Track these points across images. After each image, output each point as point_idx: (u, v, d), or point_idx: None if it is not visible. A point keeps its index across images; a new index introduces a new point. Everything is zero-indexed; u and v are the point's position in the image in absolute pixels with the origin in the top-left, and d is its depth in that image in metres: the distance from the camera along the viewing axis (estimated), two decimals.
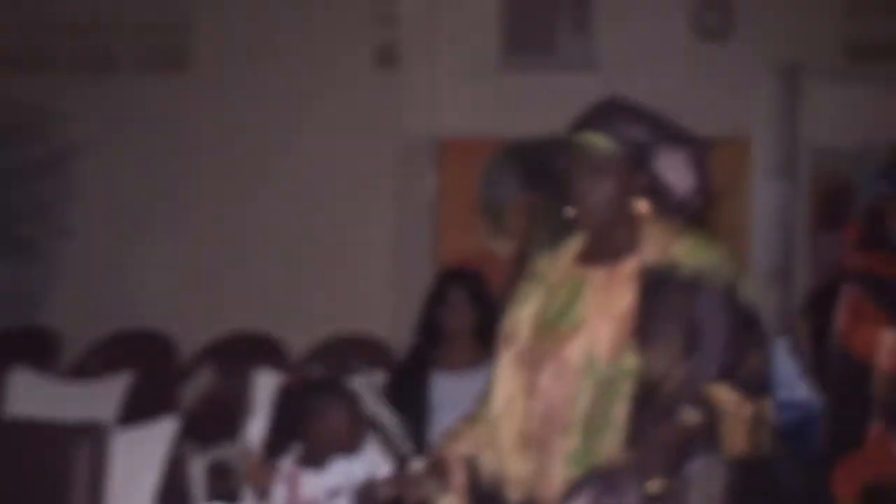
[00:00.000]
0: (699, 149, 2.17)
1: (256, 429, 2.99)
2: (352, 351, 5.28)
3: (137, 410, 3.40)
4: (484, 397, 2.25)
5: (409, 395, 3.72)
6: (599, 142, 2.11)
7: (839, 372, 2.82)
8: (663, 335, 2.02)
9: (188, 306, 5.86)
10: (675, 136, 2.16)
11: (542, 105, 5.60)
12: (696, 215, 2.22)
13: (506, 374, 2.19)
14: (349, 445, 2.88)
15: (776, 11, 5.52)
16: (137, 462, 2.87)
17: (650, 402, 2.00)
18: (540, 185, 5.69)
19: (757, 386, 2.09)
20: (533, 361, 2.14)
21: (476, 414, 2.26)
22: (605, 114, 2.17)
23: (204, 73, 6.07)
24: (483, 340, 3.73)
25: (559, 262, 2.26)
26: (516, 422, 2.13)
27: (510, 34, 5.60)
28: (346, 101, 5.83)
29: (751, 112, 5.62)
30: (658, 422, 1.98)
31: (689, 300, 2.03)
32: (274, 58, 5.94)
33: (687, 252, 2.09)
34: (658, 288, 2.06)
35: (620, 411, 2.01)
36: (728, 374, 2.06)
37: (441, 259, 5.65)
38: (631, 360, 2.02)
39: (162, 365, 5.38)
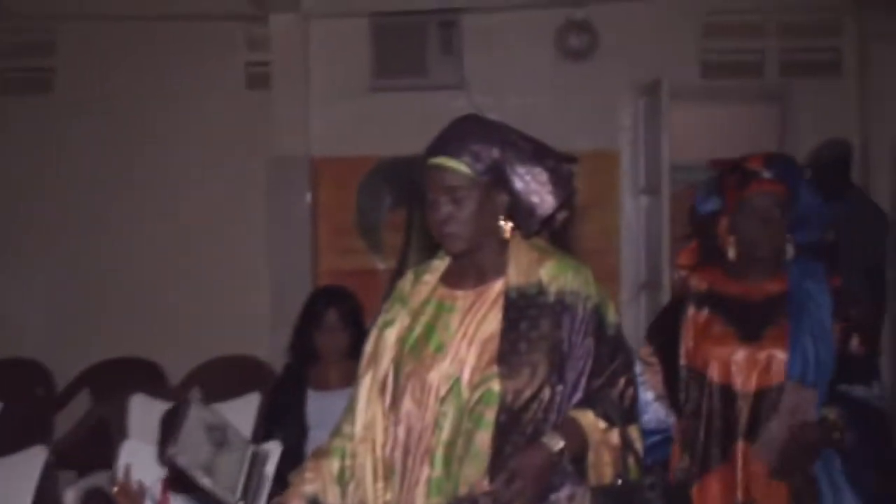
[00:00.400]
0: (560, 166, 2.12)
1: (128, 452, 2.99)
2: (231, 372, 5.27)
3: (11, 441, 3.33)
4: (337, 428, 2.15)
5: (286, 414, 3.74)
6: (453, 164, 2.06)
7: (693, 393, 2.67)
8: (528, 360, 1.97)
9: (61, 334, 5.75)
10: (535, 154, 2.11)
11: (413, 124, 5.69)
12: (560, 232, 2.19)
13: (365, 400, 2.10)
14: None
15: (637, 33, 5.73)
16: (10, 491, 2.84)
17: (514, 429, 1.95)
18: (413, 203, 5.78)
19: (624, 412, 2.06)
20: (395, 386, 2.06)
21: (325, 447, 2.14)
22: (461, 135, 2.10)
23: (69, 94, 5.98)
24: (358, 361, 3.79)
25: (422, 284, 2.17)
26: (377, 449, 2.04)
27: (381, 57, 5.65)
28: (219, 122, 5.82)
29: (616, 128, 5.82)
30: (522, 450, 1.93)
31: (554, 324, 2.00)
32: (145, 79, 5.90)
33: (553, 274, 2.04)
34: (523, 311, 2.00)
35: (484, 439, 1.94)
36: (594, 400, 2.02)
37: (318, 278, 5.67)
38: (495, 386, 1.95)
39: (36, 394, 5.26)
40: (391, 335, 2.12)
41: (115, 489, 2.68)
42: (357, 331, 3.85)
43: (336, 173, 5.80)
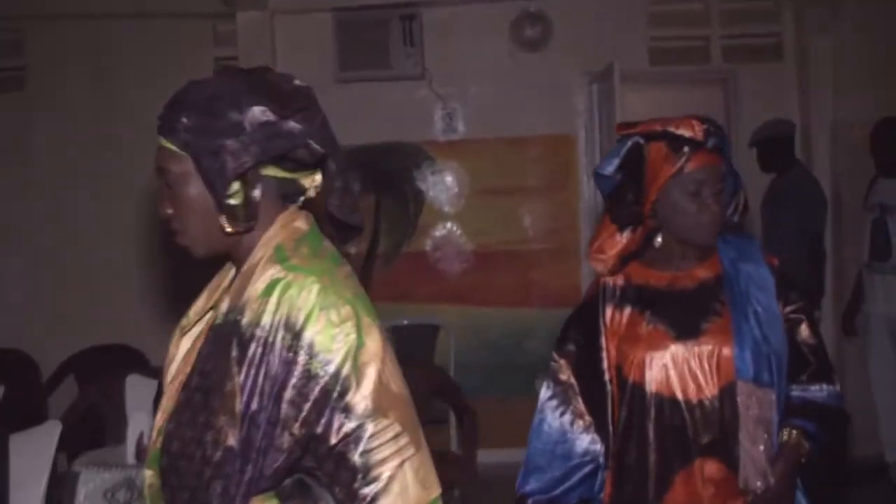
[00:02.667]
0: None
1: (137, 423, 3.19)
2: None
3: (16, 424, 3.51)
4: None
5: None
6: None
7: (625, 410, 2.25)
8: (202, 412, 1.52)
9: (43, 323, 5.90)
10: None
11: (378, 114, 5.95)
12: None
13: None
14: None
15: (588, 23, 5.99)
16: (29, 464, 3.01)
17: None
18: (380, 189, 6.00)
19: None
20: None
21: None
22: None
23: (39, 93, 6.10)
24: None
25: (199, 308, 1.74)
26: None
27: (345, 50, 5.85)
28: None
29: (572, 113, 6.09)
30: None
31: (261, 367, 1.47)
32: (115, 76, 6.05)
33: (269, 294, 1.51)
34: (218, 348, 1.55)
35: None
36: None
37: None
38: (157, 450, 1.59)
39: (25, 380, 5.39)
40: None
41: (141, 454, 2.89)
42: None
43: None
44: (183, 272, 5.95)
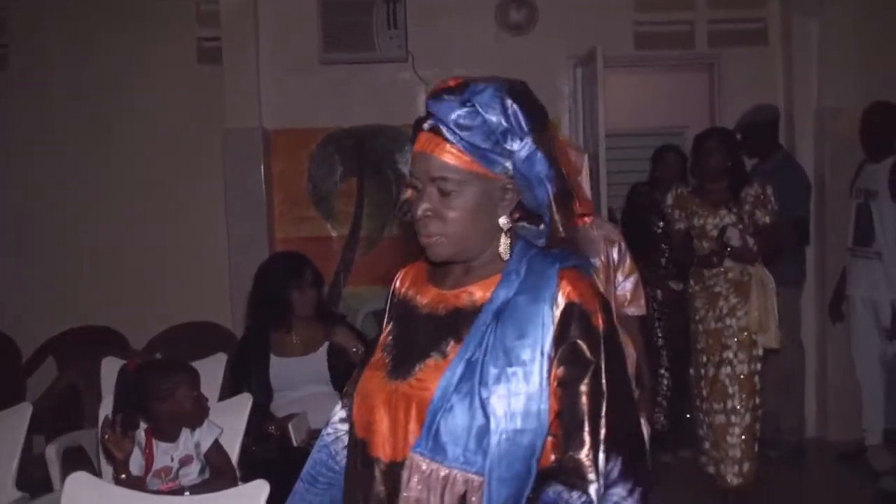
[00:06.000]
0: None
1: (106, 409, 3.19)
2: (192, 338, 5.43)
3: None
4: None
5: (249, 377, 3.91)
6: None
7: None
8: None
9: (23, 304, 5.88)
10: None
11: (361, 96, 5.92)
12: None
13: None
14: (196, 420, 3.14)
15: (573, 6, 5.96)
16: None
17: None
18: (363, 171, 5.98)
19: None
20: None
21: None
22: None
23: (22, 71, 6.05)
24: (321, 323, 4.01)
25: None
26: None
27: (329, 31, 5.78)
28: (173, 96, 5.94)
29: (556, 97, 6.03)
30: None
31: None
32: (99, 55, 6.00)
33: None
34: None
35: None
36: None
37: (274, 245, 5.84)
38: None
39: (3, 361, 5.38)
40: None
41: (107, 437, 2.89)
42: (321, 291, 4.08)
43: (288, 144, 5.95)
44: (168, 253, 6.00)
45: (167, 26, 5.98)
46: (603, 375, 1.57)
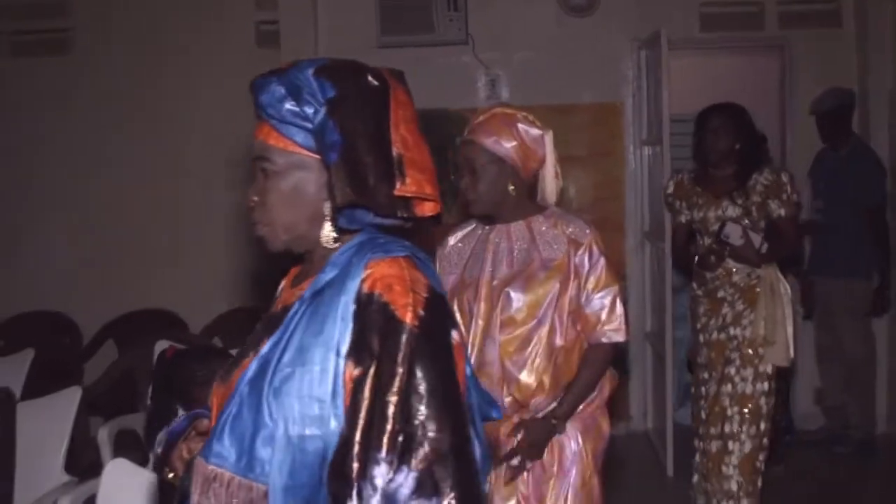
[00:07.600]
0: None
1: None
2: (248, 323, 5.42)
3: (45, 387, 3.52)
4: None
5: None
6: None
7: None
8: None
9: (84, 287, 5.93)
10: None
11: (420, 80, 5.81)
12: None
13: None
14: None
15: None
16: (49, 427, 3.02)
17: None
18: None
19: None
20: None
21: None
22: None
23: (84, 55, 6.10)
24: None
25: None
26: None
27: (388, 14, 5.73)
28: (231, 80, 5.88)
29: (619, 81, 5.92)
30: None
31: None
32: (159, 38, 6.02)
33: None
34: None
35: None
36: None
37: None
38: None
39: (64, 343, 5.45)
40: None
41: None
42: None
43: None
44: (229, 241, 5.99)
45: (226, 10, 5.99)
46: (397, 376, 1.37)
